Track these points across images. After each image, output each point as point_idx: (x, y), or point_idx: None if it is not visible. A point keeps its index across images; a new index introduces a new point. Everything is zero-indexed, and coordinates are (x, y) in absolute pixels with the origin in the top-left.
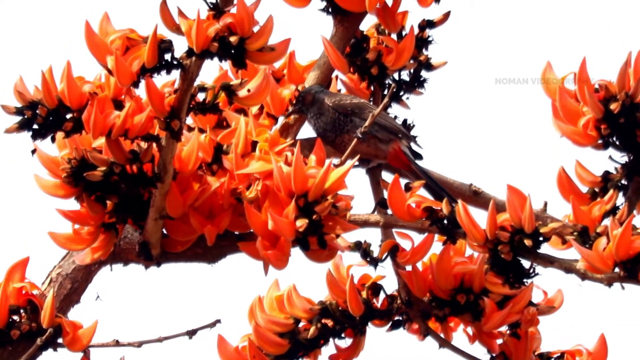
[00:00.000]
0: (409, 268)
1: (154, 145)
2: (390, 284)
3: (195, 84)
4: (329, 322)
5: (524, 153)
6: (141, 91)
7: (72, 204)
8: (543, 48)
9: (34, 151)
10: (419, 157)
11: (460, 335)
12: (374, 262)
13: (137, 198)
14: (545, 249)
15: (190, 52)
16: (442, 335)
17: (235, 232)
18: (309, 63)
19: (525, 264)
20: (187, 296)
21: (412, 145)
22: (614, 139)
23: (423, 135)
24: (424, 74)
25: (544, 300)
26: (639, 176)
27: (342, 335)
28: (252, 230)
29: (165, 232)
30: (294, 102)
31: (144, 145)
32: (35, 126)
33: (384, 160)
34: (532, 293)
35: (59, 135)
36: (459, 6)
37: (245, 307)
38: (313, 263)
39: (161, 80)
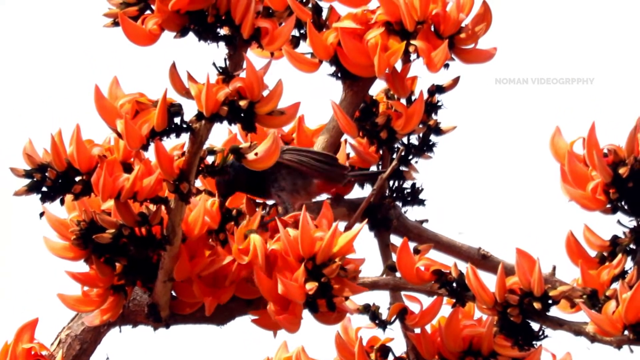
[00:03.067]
0: (417, 330)
1: (163, 207)
2: (399, 347)
3: (205, 147)
4: None
5: (532, 217)
6: (150, 154)
7: (82, 266)
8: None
9: (42, 214)
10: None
11: None
12: (383, 324)
13: (146, 260)
14: (554, 312)
15: (199, 116)
16: None
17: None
18: (318, 127)
19: (535, 326)
20: (195, 358)
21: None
22: (623, 203)
23: (431, 199)
24: (433, 138)
25: None
26: None
27: None
28: (259, 296)
29: (174, 294)
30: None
31: (152, 207)
32: (44, 189)
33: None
34: (541, 356)
35: (68, 197)
36: (468, 71)
37: None
38: (322, 325)
39: (170, 143)
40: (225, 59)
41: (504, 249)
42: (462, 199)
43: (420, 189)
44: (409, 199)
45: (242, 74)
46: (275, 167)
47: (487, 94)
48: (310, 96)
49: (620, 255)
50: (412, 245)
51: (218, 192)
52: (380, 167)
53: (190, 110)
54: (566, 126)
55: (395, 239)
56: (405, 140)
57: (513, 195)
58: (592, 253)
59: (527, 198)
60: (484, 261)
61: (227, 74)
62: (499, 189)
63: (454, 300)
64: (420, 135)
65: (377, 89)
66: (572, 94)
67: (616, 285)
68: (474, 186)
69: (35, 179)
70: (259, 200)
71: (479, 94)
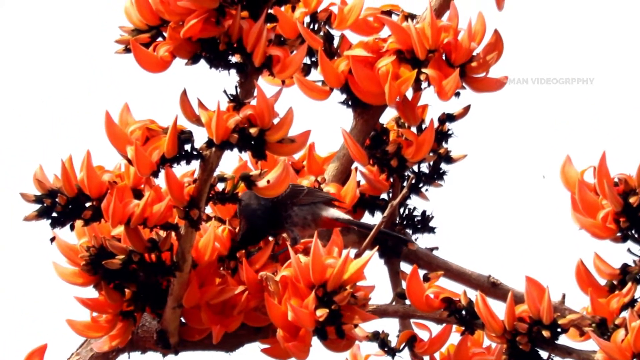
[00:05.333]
0: (426, 358)
1: (173, 234)
2: None
3: (215, 174)
4: None
5: (542, 245)
6: (160, 180)
7: (91, 292)
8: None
9: (52, 239)
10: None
11: None
12: (392, 352)
13: (156, 286)
14: (563, 340)
15: (210, 143)
16: None
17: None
18: (329, 155)
19: (544, 355)
20: None
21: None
22: (633, 232)
23: (442, 226)
24: (443, 166)
25: None
26: None
27: None
28: (268, 324)
29: (183, 320)
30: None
31: (162, 234)
32: (54, 214)
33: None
34: None
35: (78, 223)
36: (479, 100)
37: None
38: (331, 352)
39: (181, 170)
40: (236, 87)
41: (514, 277)
42: (472, 226)
43: (430, 216)
44: (419, 226)
45: (253, 102)
46: (289, 205)
47: (487, 95)
48: (321, 124)
49: (630, 284)
50: (422, 272)
51: (243, 243)
52: (390, 194)
53: (200, 137)
54: (567, 126)
55: (405, 267)
56: (415, 168)
57: (523, 223)
58: (602, 281)
59: (537, 226)
60: (493, 289)
61: (237, 102)
62: (509, 217)
63: (463, 328)
64: (431, 163)
65: (388, 117)
66: (572, 94)
67: (625, 314)
68: (484, 214)
69: (45, 205)
70: None
71: (484, 118)
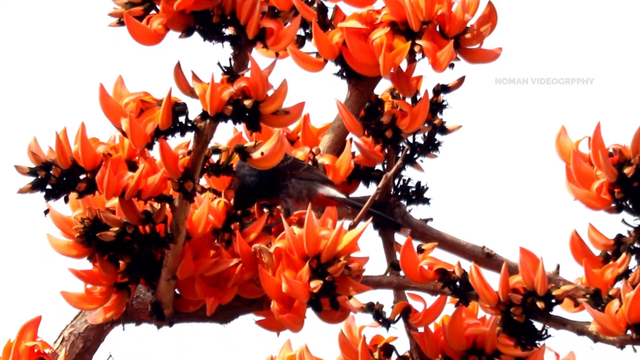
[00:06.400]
0: (421, 329)
1: (167, 206)
2: (403, 345)
3: (209, 145)
4: None
5: (537, 216)
6: (155, 152)
7: (85, 264)
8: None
9: (47, 211)
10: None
11: None
12: (386, 323)
13: (150, 258)
14: (557, 311)
15: (204, 115)
16: None
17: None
18: (324, 126)
19: (538, 326)
20: (199, 356)
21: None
22: (627, 202)
23: (436, 197)
24: (438, 137)
25: None
26: None
27: None
28: (262, 296)
29: (177, 292)
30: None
31: (157, 206)
32: (48, 186)
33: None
34: (544, 355)
35: (72, 195)
36: (469, 71)
37: None
38: (325, 324)
39: (175, 142)
40: (230, 59)
41: (508, 247)
42: (466, 197)
43: (425, 187)
44: (414, 197)
45: (247, 74)
46: (288, 176)
47: (487, 94)
48: (316, 95)
49: (624, 254)
50: (416, 244)
51: (237, 204)
52: (385, 166)
53: (195, 109)
54: (567, 126)
55: (400, 238)
56: (410, 139)
57: (518, 194)
58: (597, 252)
59: (532, 197)
60: (488, 260)
61: (231, 74)
62: (504, 188)
63: (458, 299)
64: (426, 134)
65: (383, 88)
66: (572, 94)
67: (620, 285)
68: (479, 185)
69: (39, 177)
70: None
71: (480, 93)
